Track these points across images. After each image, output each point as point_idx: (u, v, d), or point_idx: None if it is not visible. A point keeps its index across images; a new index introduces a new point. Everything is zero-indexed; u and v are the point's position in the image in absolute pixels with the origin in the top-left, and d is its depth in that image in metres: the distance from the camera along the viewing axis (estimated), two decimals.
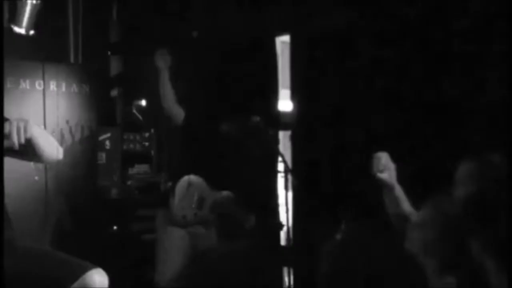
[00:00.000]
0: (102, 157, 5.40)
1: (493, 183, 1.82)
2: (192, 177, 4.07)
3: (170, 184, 4.19)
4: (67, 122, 5.15)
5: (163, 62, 4.23)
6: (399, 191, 2.47)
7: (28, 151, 2.62)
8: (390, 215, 2.49)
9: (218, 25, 5.15)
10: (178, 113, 4.20)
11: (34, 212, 4.76)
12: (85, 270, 2.75)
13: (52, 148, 2.81)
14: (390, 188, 2.45)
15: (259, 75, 5.12)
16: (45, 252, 2.90)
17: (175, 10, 5.46)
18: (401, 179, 2.48)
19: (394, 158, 2.45)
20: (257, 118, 3.77)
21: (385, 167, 2.44)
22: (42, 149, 2.71)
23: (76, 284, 2.71)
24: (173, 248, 4.02)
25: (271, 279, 1.55)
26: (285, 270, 3.99)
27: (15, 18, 5.04)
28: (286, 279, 4.05)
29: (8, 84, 4.79)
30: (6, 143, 2.48)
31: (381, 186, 2.48)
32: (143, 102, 5.75)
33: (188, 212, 4.03)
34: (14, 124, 2.45)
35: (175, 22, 5.41)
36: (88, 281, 2.74)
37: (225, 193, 4.09)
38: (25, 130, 2.47)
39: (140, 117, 5.72)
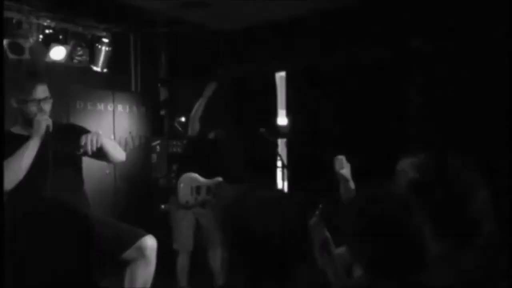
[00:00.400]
0: (154, 157, 5.40)
1: (428, 171, 1.71)
2: (188, 174, 3.97)
3: (175, 179, 4.11)
4: (130, 133, 5.16)
5: (209, 91, 4.14)
6: (351, 183, 2.43)
7: (100, 155, 2.57)
8: (343, 199, 2.44)
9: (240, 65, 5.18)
10: (195, 127, 4.11)
11: (106, 195, 4.73)
12: (140, 236, 2.67)
13: (118, 153, 2.74)
14: (346, 180, 2.41)
15: (264, 100, 5.17)
16: (111, 221, 2.81)
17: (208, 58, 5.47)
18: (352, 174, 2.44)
19: (348, 159, 2.42)
20: (263, 129, 3.85)
21: (344, 165, 2.40)
22: (111, 154, 2.64)
23: (133, 246, 2.64)
24: (184, 225, 3.95)
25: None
26: None
27: (94, 60, 5.16)
28: None
29: (89, 107, 4.85)
30: (82, 150, 2.43)
31: (340, 179, 2.43)
32: (182, 119, 5.70)
33: (189, 198, 3.93)
34: (89, 137, 2.41)
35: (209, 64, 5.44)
36: (142, 244, 2.65)
37: (214, 179, 3.95)
38: (97, 141, 2.42)
39: (180, 129, 5.66)
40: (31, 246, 0.83)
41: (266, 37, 5.05)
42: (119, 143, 4.93)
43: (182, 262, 3.94)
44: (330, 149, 4.30)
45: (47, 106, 2.45)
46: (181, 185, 3.95)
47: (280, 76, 5.25)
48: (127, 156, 4.69)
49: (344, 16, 4.41)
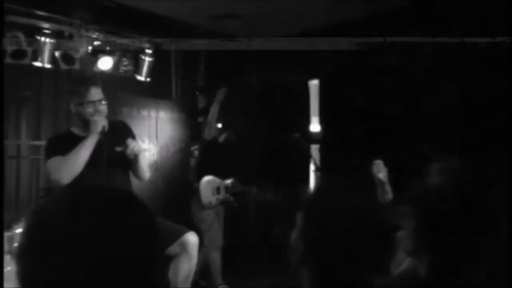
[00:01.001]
0: (192, 161, 5.54)
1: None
2: (207, 176, 4.20)
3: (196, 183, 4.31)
4: (171, 138, 5.38)
5: (220, 96, 4.40)
6: (388, 186, 2.45)
7: (132, 165, 2.68)
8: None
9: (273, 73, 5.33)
10: (211, 131, 4.36)
11: (146, 195, 4.70)
12: (183, 232, 2.75)
13: (144, 171, 2.76)
14: (383, 184, 2.42)
15: (298, 107, 5.27)
16: (156, 220, 2.93)
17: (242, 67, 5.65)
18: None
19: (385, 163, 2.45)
20: (297, 135, 3.98)
21: (381, 170, 2.45)
22: (140, 168, 2.71)
23: (176, 243, 2.70)
24: (212, 223, 4.16)
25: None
26: None
27: (138, 70, 5.45)
28: None
29: (134, 113, 5.10)
30: (121, 149, 2.59)
31: (378, 183, 2.44)
32: (219, 125, 5.94)
33: (212, 199, 4.15)
34: (135, 143, 2.60)
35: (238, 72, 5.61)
36: (185, 240, 2.72)
37: (231, 180, 4.21)
38: (138, 150, 2.59)
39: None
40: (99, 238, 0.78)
41: (298, 45, 5.17)
42: (161, 148, 5.19)
43: (215, 258, 4.11)
44: (362, 154, 4.48)
45: (102, 107, 2.59)
46: (202, 187, 4.16)
47: (313, 84, 5.36)
48: (169, 159, 4.92)
49: (375, 23, 4.47)
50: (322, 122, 5.17)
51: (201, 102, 6.16)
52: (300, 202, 1.26)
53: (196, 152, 5.57)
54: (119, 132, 2.74)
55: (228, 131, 4.44)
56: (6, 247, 3.68)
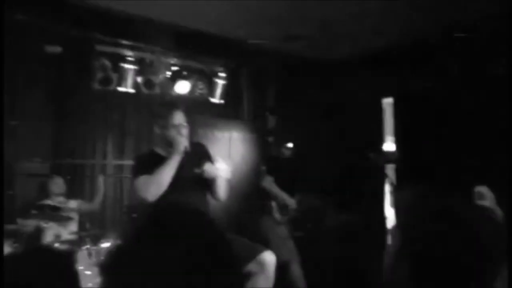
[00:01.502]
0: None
1: None
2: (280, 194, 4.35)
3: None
4: (243, 157, 5.56)
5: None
6: (500, 213, 2.14)
7: (210, 186, 2.73)
8: None
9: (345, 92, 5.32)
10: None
11: (220, 214, 4.88)
12: (260, 251, 2.68)
13: (222, 192, 2.78)
14: (492, 212, 2.10)
15: (373, 126, 5.18)
16: (233, 236, 2.75)
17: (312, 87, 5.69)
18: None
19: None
20: (372, 154, 3.91)
21: (486, 197, 2.19)
22: (217, 189, 2.74)
23: (253, 262, 2.63)
24: (287, 238, 4.26)
25: None
26: None
27: (212, 92, 5.68)
28: None
29: (208, 133, 5.33)
30: (200, 171, 2.64)
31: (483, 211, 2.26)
32: (289, 144, 5.98)
33: (283, 215, 4.32)
34: (213, 167, 2.66)
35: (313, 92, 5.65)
36: (262, 260, 2.65)
37: (293, 199, 4.33)
38: (216, 173, 2.64)
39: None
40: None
41: (372, 64, 5.12)
42: (234, 167, 5.31)
43: (297, 271, 4.10)
44: (440, 175, 4.30)
45: (185, 131, 2.67)
46: (274, 204, 4.28)
47: (388, 102, 5.26)
48: (241, 178, 5.02)
49: (452, 41, 4.34)
50: (397, 141, 5.02)
51: (271, 122, 6.24)
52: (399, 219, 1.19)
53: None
54: (199, 154, 2.83)
55: (298, 150, 4.49)
56: (94, 260, 3.95)
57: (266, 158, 4.80)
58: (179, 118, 2.69)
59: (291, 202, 4.36)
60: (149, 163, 2.61)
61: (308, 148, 4.98)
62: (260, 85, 6.25)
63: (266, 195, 4.47)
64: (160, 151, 2.75)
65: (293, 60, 5.64)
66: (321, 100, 5.51)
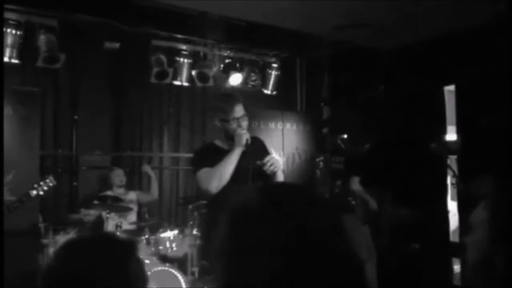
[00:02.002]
0: (318, 172, 5.60)
1: None
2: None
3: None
4: (297, 148, 5.48)
5: None
6: None
7: (269, 180, 2.63)
8: None
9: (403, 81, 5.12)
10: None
11: None
12: None
13: None
14: None
15: (433, 116, 4.95)
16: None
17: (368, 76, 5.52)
18: None
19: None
20: (433, 144, 3.73)
21: None
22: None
23: None
24: (368, 237, 4.22)
25: None
26: None
27: (265, 84, 5.66)
28: None
29: (262, 126, 5.31)
30: (260, 163, 2.60)
31: None
32: (345, 136, 5.84)
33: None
34: (271, 161, 2.59)
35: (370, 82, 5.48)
36: None
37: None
38: (276, 167, 2.59)
39: (343, 146, 5.80)
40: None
41: (430, 51, 4.88)
42: (287, 158, 5.29)
43: (372, 271, 4.12)
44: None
45: (245, 123, 2.66)
46: (359, 203, 4.27)
47: (449, 90, 5.01)
48: (294, 170, 4.98)
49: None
50: (459, 131, 4.76)
51: (326, 113, 6.15)
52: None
53: (321, 164, 5.62)
54: (258, 148, 2.82)
55: (356, 143, 4.38)
56: (152, 249, 4.07)
57: (348, 160, 4.70)
58: (239, 111, 2.68)
59: (373, 204, 4.27)
60: (210, 156, 2.63)
61: (366, 140, 4.83)
62: (314, 75, 6.15)
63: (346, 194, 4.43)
64: (220, 143, 2.76)
65: (348, 49, 5.49)
66: (378, 90, 5.32)
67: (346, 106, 5.73)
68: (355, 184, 4.27)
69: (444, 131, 4.90)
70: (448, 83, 4.96)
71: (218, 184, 2.53)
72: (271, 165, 2.60)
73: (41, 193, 2.70)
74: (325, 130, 6.06)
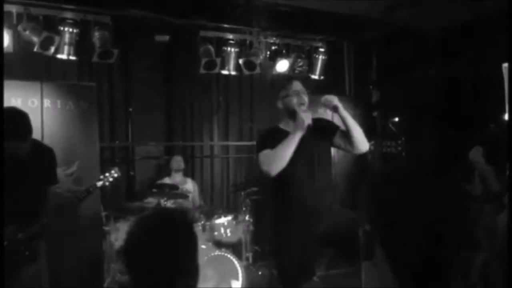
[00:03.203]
0: (369, 156, 5.49)
1: None
2: None
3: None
4: None
5: None
6: None
7: (349, 141, 2.63)
8: None
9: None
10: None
11: None
12: None
13: (362, 141, 2.68)
14: None
15: (491, 95, 4.73)
16: None
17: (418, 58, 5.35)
18: None
19: None
20: (492, 125, 3.57)
21: None
22: (356, 140, 2.63)
23: None
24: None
25: None
26: None
27: (312, 69, 5.61)
28: None
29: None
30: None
31: None
32: (396, 119, 5.74)
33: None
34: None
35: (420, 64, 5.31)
36: None
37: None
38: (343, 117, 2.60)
39: (394, 129, 5.71)
40: None
41: (488, 28, 4.66)
42: None
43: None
44: None
45: (306, 98, 2.71)
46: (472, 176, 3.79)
47: (505, 67, 4.76)
48: (344, 155, 4.93)
49: None
50: None
51: (375, 96, 6.02)
52: None
53: (372, 148, 5.48)
54: (322, 128, 2.78)
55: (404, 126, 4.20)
56: (207, 235, 4.19)
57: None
58: (298, 85, 2.75)
59: (495, 183, 3.50)
60: (272, 138, 2.64)
61: (418, 124, 4.69)
62: (362, 59, 6.04)
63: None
64: (283, 126, 2.77)
65: (397, 30, 5.34)
66: (430, 71, 5.15)
67: (397, 88, 5.59)
68: (477, 155, 3.62)
69: (503, 111, 4.69)
70: (505, 61, 4.71)
71: (278, 166, 2.54)
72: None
73: (107, 183, 2.86)
74: (375, 114, 5.95)
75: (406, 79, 5.43)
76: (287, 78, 2.88)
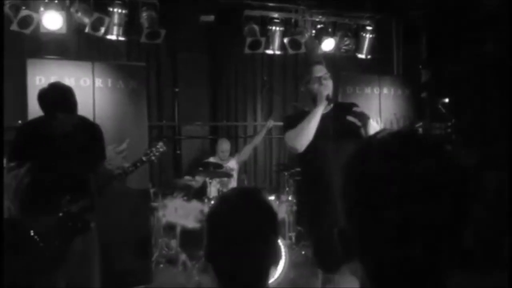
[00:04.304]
0: None
1: None
2: None
3: None
4: (395, 114, 5.26)
5: None
6: None
7: (362, 134, 2.55)
8: None
9: None
10: None
11: None
12: None
13: None
14: None
15: None
16: None
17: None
18: None
19: None
20: None
21: None
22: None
23: None
24: None
25: None
26: None
27: (359, 48, 5.44)
28: None
29: (357, 91, 5.15)
30: (351, 118, 2.53)
31: None
32: (446, 100, 5.49)
33: None
34: (360, 113, 2.50)
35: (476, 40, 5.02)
36: None
37: None
38: (365, 118, 2.48)
39: (444, 111, 5.45)
40: None
41: None
42: (385, 124, 5.09)
43: None
44: None
45: (328, 82, 2.64)
46: None
47: None
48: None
49: None
50: None
51: (424, 76, 5.77)
52: None
53: (420, 130, 5.33)
54: (347, 106, 2.71)
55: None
56: None
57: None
58: (319, 70, 2.68)
59: None
60: (297, 119, 2.66)
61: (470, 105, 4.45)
62: (411, 37, 5.80)
63: None
64: (308, 109, 2.75)
65: (448, 6, 5.05)
66: (485, 47, 4.85)
67: (448, 67, 5.33)
68: None
69: None
70: None
71: (303, 141, 2.55)
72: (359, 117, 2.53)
73: (153, 158, 2.88)
74: (423, 95, 5.71)
75: (458, 56, 5.15)
76: (308, 62, 2.78)
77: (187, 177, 4.64)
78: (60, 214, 2.56)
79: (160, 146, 2.93)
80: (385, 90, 5.27)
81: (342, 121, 2.58)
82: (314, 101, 2.65)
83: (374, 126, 2.58)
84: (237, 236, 1.10)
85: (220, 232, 1.12)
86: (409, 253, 0.68)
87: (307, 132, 2.55)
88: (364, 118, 2.54)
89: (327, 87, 2.62)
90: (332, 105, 2.65)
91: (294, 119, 2.70)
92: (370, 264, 0.72)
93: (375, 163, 0.70)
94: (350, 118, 2.57)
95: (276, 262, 1.16)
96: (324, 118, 2.59)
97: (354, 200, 0.72)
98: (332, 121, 2.59)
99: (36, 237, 2.50)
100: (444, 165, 0.69)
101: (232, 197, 1.21)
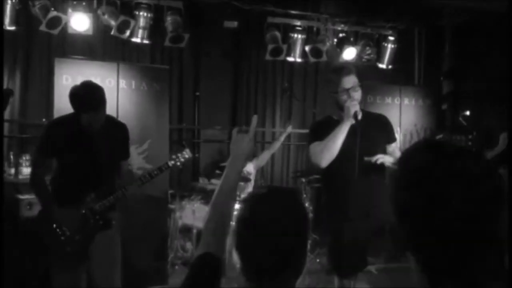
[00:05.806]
0: None
1: None
2: None
3: None
4: (415, 125, 5.20)
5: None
6: None
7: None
8: None
9: None
10: None
11: None
12: None
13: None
14: None
15: None
16: None
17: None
18: None
19: None
20: None
21: None
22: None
23: None
24: None
25: None
26: None
27: (380, 58, 5.41)
28: None
29: (378, 100, 5.10)
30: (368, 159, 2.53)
31: None
32: (467, 112, 5.38)
33: None
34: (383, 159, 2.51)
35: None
36: None
37: None
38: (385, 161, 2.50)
39: (465, 123, 5.35)
40: None
41: None
42: (404, 135, 5.04)
43: None
44: None
45: (356, 94, 2.58)
46: None
47: None
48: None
49: None
50: None
51: (446, 87, 5.72)
52: None
53: None
54: (377, 124, 2.70)
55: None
56: None
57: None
58: (349, 81, 2.60)
59: None
60: (324, 129, 2.61)
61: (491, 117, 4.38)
62: (433, 47, 5.75)
63: None
64: (336, 116, 2.72)
65: (471, 17, 5.00)
66: (503, 60, 4.76)
67: (470, 79, 5.26)
68: None
69: None
70: None
71: (327, 157, 2.51)
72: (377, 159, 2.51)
73: (178, 163, 2.89)
74: (445, 106, 5.66)
75: (480, 69, 5.08)
76: (337, 70, 2.67)
77: (203, 180, 4.65)
78: (83, 211, 2.59)
79: (186, 153, 2.93)
80: (406, 101, 5.22)
81: (368, 136, 2.55)
82: (341, 109, 2.61)
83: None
84: (274, 232, 1.09)
85: (255, 226, 1.12)
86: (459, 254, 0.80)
87: (332, 150, 2.51)
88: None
89: (355, 102, 2.56)
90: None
91: (321, 129, 2.66)
92: (422, 258, 0.84)
93: (441, 182, 0.81)
94: (367, 159, 2.53)
95: (304, 263, 1.15)
96: (350, 131, 2.54)
97: (416, 208, 0.83)
98: (358, 135, 2.53)
99: (58, 230, 2.54)
100: (499, 185, 0.82)
101: (271, 194, 1.20)
